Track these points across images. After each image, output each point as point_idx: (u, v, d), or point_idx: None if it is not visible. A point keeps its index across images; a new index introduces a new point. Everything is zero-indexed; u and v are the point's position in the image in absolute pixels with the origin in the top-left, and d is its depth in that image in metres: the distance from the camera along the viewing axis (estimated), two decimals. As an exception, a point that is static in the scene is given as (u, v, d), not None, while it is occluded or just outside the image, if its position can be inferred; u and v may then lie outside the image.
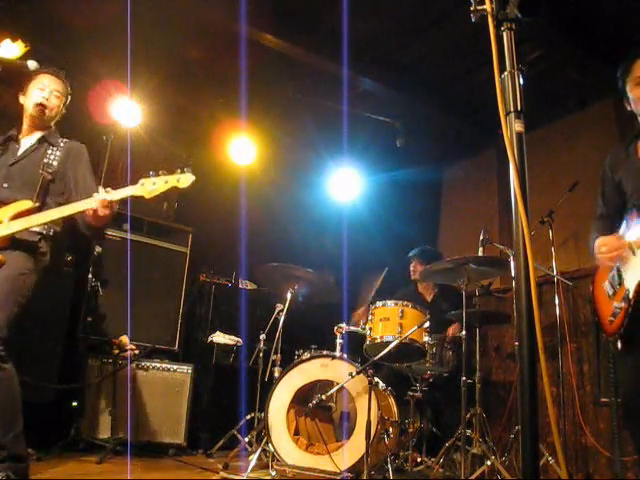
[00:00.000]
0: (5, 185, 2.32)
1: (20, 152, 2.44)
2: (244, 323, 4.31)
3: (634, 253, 1.92)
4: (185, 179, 2.26)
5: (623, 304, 1.90)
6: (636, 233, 1.97)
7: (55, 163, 2.40)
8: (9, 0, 3.51)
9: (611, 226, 2.12)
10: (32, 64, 2.32)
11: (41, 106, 2.46)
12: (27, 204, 2.24)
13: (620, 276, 1.96)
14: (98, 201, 2.17)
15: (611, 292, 1.99)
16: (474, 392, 3.34)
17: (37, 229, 2.23)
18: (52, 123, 2.56)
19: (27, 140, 2.49)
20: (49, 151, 2.43)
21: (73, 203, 2.24)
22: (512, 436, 3.41)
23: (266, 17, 3.77)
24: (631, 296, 1.87)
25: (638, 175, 2.06)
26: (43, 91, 2.49)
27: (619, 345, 1.95)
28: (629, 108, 2.10)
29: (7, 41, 2.43)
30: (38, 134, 2.50)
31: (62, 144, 2.49)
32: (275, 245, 4.96)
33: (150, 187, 2.20)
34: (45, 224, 2.24)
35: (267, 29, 3.86)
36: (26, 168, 2.38)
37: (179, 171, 2.26)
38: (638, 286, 1.85)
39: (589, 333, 3.63)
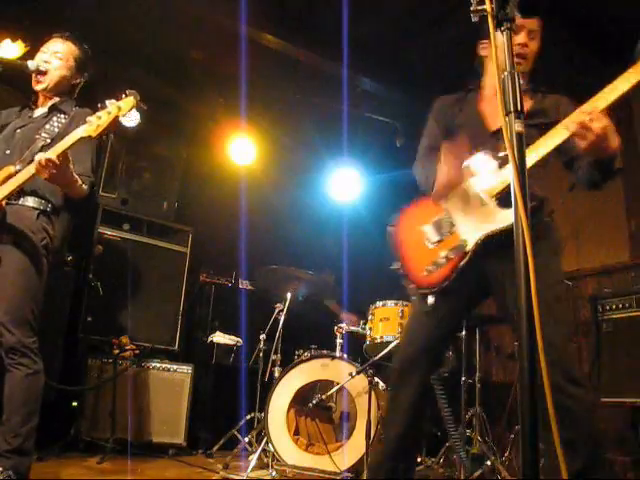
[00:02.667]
0: (7, 152, 2.27)
1: (28, 119, 2.36)
2: (244, 323, 4.31)
3: (482, 203, 1.79)
4: (126, 104, 2.04)
5: (453, 255, 1.76)
6: (486, 181, 1.82)
7: (56, 129, 2.27)
8: (10, 1, 3.52)
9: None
10: (32, 64, 2.31)
11: (36, 75, 2.33)
12: (9, 170, 2.14)
13: (452, 223, 1.83)
14: (35, 163, 2.03)
15: (435, 239, 1.84)
16: (474, 392, 3.34)
17: (32, 204, 2.19)
18: (63, 89, 2.41)
19: (40, 110, 2.40)
20: (55, 117, 2.31)
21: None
22: (512, 436, 3.41)
23: (266, 17, 3.77)
24: (469, 249, 1.75)
25: (477, 125, 1.99)
26: (44, 54, 2.37)
27: (430, 300, 1.79)
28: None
29: (7, 41, 2.43)
30: (50, 102, 2.38)
31: (72, 112, 2.34)
32: (275, 245, 4.96)
33: (96, 123, 2.02)
34: (38, 198, 2.18)
35: (267, 29, 3.86)
36: (27, 134, 2.29)
37: (123, 96, 2.07)
38: (481, 240, 1.74)
39: (589, 333, 3.63)
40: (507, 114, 1.18)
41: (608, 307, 3.16)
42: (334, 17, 3.54)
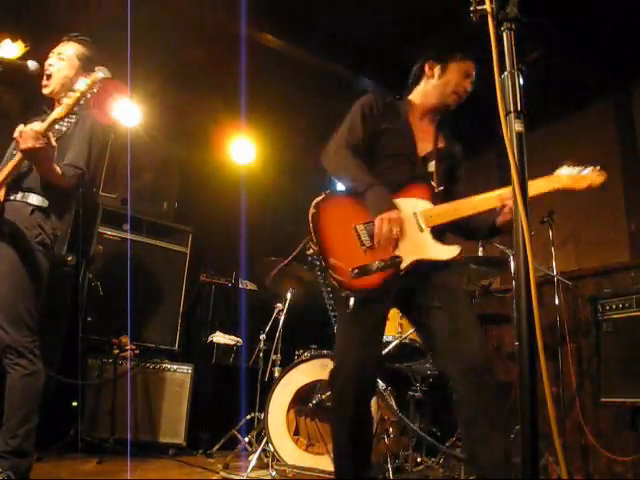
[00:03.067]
0: (14, 152, 2.25)
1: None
2: (244, 323, 4.31)
3: (421, 229, 1.89)
4: (91, 79, 2.07)
5: (386, 268, 1.79)
6: (420, 205, 1.93)
7: (64, 128, 2.27)
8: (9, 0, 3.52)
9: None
10: (32, 64, 2.31)
11: (42, 79, 2.34)
12: (9, 166, 2.14)
13: (391, 229, 1.85)
14: (17, 133, 2.04)
15: (368, 244, 1.84)
16: (474, 392, 3.33)
17: (27, 200, 2.18)
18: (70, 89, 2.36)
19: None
20: (66, 119, 2.27)
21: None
22: (512, 436, 3.40)
23: (266, 17, 3.77)
24: (403, 266, 1.81)
25: (407, 142, 2.05)
26: (50, 58, 2.38)
27: (351, 302, 1.81)
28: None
29: (7, 41, 2.43)
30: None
31: (80, 112, 2.34)
32: (275, 245, 4.96)
33: (66, 103, 2.05)
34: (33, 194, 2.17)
35: (267, 29, 3.86)
36: None
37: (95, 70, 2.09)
38: (415, 261, 1.82)
39: (589, 333, 3.63)
40: (507, 114, 1.18)
41: (608, 307, 3.15)
42: (334, 17, 3.54)
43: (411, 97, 2.21)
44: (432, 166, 2.05)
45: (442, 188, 2.00)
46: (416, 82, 2.21)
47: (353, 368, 1.87)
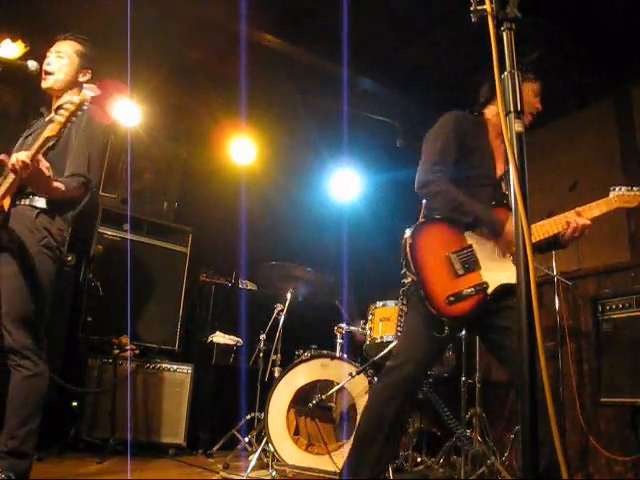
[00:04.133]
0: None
1: (40, 124, 2.34)
2: (244, 323, 4.31)
3: (503, 255, 1.98)
4: (80, 99, 2.02)
5: (476, 293, 1.89)
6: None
7: (64, 129, 2.21)
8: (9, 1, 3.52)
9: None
10: (32, 64, 2.31)
11: (42, 74, 2.33)
12: (9, 180, 2.12)
13: (476, 261, 1.95)
14: (9, 165, 2.02)
15: (461, 272, 1.93)
16: (474, 392, 3.34)
17: (33, 203, 2.17)
18: (70, 86, 2.38)
19: (51, 113, 2.37)
20: (75, 97, 2.23)
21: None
22: (512, 436, 3.41)
23: (266, 17, 3.77)
24: (490, 291, 1.91)
25: (489, 162, 2.11)
26: (48, 57, 2.37)
27: (447, 330, 1.89)
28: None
29: (7, 41, 2.43)
30: (57, 104, 2.34)
31: (80, 112, 2.28)
32: (275, 245, 4.96)
33: (57, 121, 2.02)
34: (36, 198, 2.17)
35: (267, 29, 3.86)
36: (35, 139, 2.21)
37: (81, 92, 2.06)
38: (499, 286, 1.91)
39: (589, 333, 3.63)
40: (507, 114, 1.18)
41: (608, 307, 3.16)
42: (334, 17, 3.53)
43: (487, 115, 2.22)
44: (505, 187, 2.12)
45: None
46: (489, 100, 2.22)
47: (416, 366, 1.96)
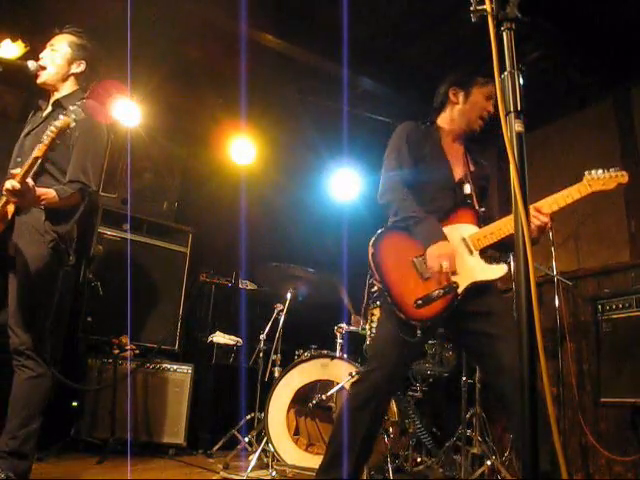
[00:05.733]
0: (19, 159, 2.24)
1: (38, 121, 2.33)
2: (244, 323, 4.31)
3: (471, 253, 1.99)
4: (62, 123, 2.01)
5: (445, 294, 1.90)
6: (468, 230, 2.04)
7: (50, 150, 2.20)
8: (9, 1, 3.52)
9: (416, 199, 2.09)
10: (32, 64, 2.31)
11: (38, 69, 2.32)
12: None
13: (442, 264, 1.94)
14: (3, 193, 2.02)
15: (427, 275, 1.94)
16: (474, 392, 3.34)
17: (41, 205, 2.16)
18: (64, 78, 2.38)
19: (48, 108, 2.38)
20: (61, 115, 2.24)
21: None
22: (512, 436, 3.40)
23: (266, 17, 3.77)
24: (460, 291, 1.92)
25: (443, 168, 2.17)
26: (43, 52, 2.37)
27: (419, 332, 1.89)
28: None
29: (7, 41, 2.43)
30: (54, 98, 2.36)
31: (76, 105, 2.27)
32: (275, 245, 4.96)
33: (42, 142, 2.01)
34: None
35: (267, 29, 3.86)
36: (35, 138, 2.24)
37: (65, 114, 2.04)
38: (470, 285, 1.93)
39: (589, 333, 3.62)
40: (507, 114, 1.18)
41: (608, 307, 3.15)
42: (334, 17, 3.53)
43: (439, 122, 2.29)
44: (468, 188, 2.15)
45: (483, 210, 2.11)
46: (441, 108, 2.30)
47: (389, 372, 1.96)
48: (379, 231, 2.08)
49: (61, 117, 2.01)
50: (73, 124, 2.03)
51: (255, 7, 3.53)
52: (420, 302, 1.88)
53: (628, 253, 3.78)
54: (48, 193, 2.10)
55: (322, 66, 4.15)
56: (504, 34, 1.21)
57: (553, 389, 3.52)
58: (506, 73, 1.20)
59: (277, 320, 3.80)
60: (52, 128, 2.00)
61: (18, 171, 2.00)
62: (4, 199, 2.08)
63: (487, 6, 1.22)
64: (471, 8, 1.24)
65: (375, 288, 2.09)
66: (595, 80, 4.06)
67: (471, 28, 1.29)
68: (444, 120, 2.29)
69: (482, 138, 2.32)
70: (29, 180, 2.00)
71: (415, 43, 4.01)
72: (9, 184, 1.98)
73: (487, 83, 2.22)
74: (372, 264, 1.99)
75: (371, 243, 2.02)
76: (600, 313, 3.19)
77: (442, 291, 1.89)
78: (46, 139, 2.00)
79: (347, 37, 3.60)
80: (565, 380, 3.55)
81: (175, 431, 3.68)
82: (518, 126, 1.16)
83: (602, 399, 3.05)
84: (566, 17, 3.49)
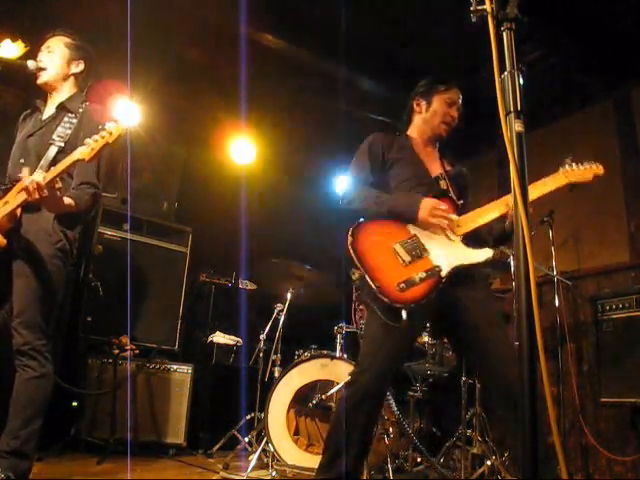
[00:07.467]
0: (22, 161, 2.23)
1: (39, 123, 2.33)
2: (244, 323, 4.31)
3: (452, 239, 2.02)
4: (116, 130, 2.00)
5: (428, 277, 1.91)
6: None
7: (69, 131, 2.23)
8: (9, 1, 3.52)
9: None
10: (32, 64, 2.31)
11: (37, 69, 2.32)
12: (25, 176, 2.07)
13: (424, 248, 1.98)
14: (23, 186, 1.99)
15: (408, 259, 1.95)
16: (474, 392, 3.34)
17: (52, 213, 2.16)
18: (63, 78, 2.38)
19: (49, 109, 2.37)
20: (66, 118, 2.27)
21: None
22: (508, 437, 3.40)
23: (266, 17, 3.77)
24: (444, 274, 1.93)
25: (417, 165, 2.22)
26: (40, 54, 2.37)
27: (404, 315, 1.87)
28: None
29: (7, 41, 2.43)
30: (57, 101, 2.36)
31: (81, 109, 2.29)
32: (275, 245, 4.96)
33: (91, 147, 1.98)
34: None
35: (267, 29, 3.86)
36: (40, 140, 2.25)
37: (114, 124, 2.01)
38: (453, 269, 1.94)
39: (589, 333, 3.63)
40: (507, 114, 1.18)
41: (608, 307, 3.16)
42: (334, 17, 3.54)
43: (409, 132, 2.38)
44: (444, 184, 2.20)
45: (462, 202, 2.14)
46: (410, 119, 2.39)
47: (378, 372, 1.96)
48: (358, 220, 2.08)
49: (108, 125, 2.00)
50: (123, 131, 2.03)
51: (255, 7, 3.53)
52: (403, 285, 1.88)
53: (628, 253, 3.78)
54: (70, 203, 2.13)
55: (322, 66, 4.15)
56: (504, 34, 1.21)
57: (553, 389, 3.52)
58: (506, 73, 1.20)
59: (277, 320, 3.80)
60: (104, 134, 1.97)
61: (40, 172, 1.99)
62: (19, 199, 2.04)
63: (487, 6, 1.22)
64: (471, 8, 1.24)
65: (355, 276, 2.07)
66: (595, 80, 4.06)
67: (471, 28, 1.29)
68: (412, 130, 2.37)
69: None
70: (58, 181, 2.00)
71: (415, 43, 4.02)
72: (35, 179, 1.95)
73: (448, 90, 2.30)
74: (351, 251, 1.98)
75: (350, 232, 2.01)
76: (600, 313, 3.20)
77: (425, 274, 1.91)
78: (100, 142, 1.96)
79: (347, 37, 3.60)
80: (565, 380, 3.55)
81: (175, 431, 3.68)
82: (518, 126, 1.16)
83: (602, 399, 3.05)
84: (566, 17, 3.50)
